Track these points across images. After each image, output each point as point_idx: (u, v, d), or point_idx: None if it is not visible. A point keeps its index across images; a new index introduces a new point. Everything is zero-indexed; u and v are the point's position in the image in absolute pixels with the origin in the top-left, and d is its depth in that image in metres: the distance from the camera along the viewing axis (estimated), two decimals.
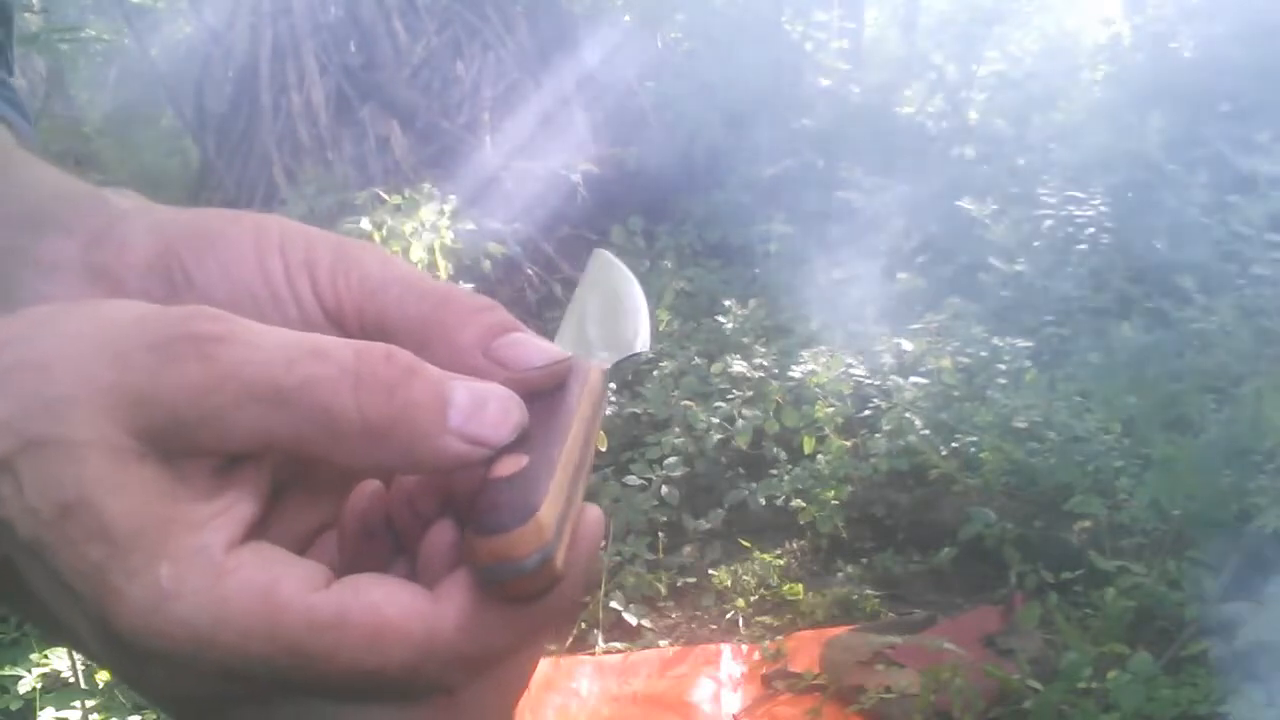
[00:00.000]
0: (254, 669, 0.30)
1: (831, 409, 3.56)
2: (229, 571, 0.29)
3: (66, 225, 0.38)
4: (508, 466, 0.33)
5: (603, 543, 0.36)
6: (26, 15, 5.12)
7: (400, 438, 0.32)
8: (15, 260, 0.37)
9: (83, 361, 0.30)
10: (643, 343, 0.44)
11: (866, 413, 3.65)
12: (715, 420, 3.67)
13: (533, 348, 0.37)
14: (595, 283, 0.48)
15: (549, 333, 0.43)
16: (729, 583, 3.17)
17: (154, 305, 0.32)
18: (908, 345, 3.82)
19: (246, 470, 0.32)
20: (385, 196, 4.40)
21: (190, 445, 0.30)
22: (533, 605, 0.32)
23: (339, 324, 0.37)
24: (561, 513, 0.33)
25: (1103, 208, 4.38)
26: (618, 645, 2.95)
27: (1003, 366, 3.54)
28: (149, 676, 0.31)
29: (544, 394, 0.37)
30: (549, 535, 0.32)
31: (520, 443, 0.34)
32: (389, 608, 0.31)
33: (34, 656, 2.30)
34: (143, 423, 0.30)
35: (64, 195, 0.39)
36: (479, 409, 0.33)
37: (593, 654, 2.91)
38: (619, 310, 0.47)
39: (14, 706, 2.24)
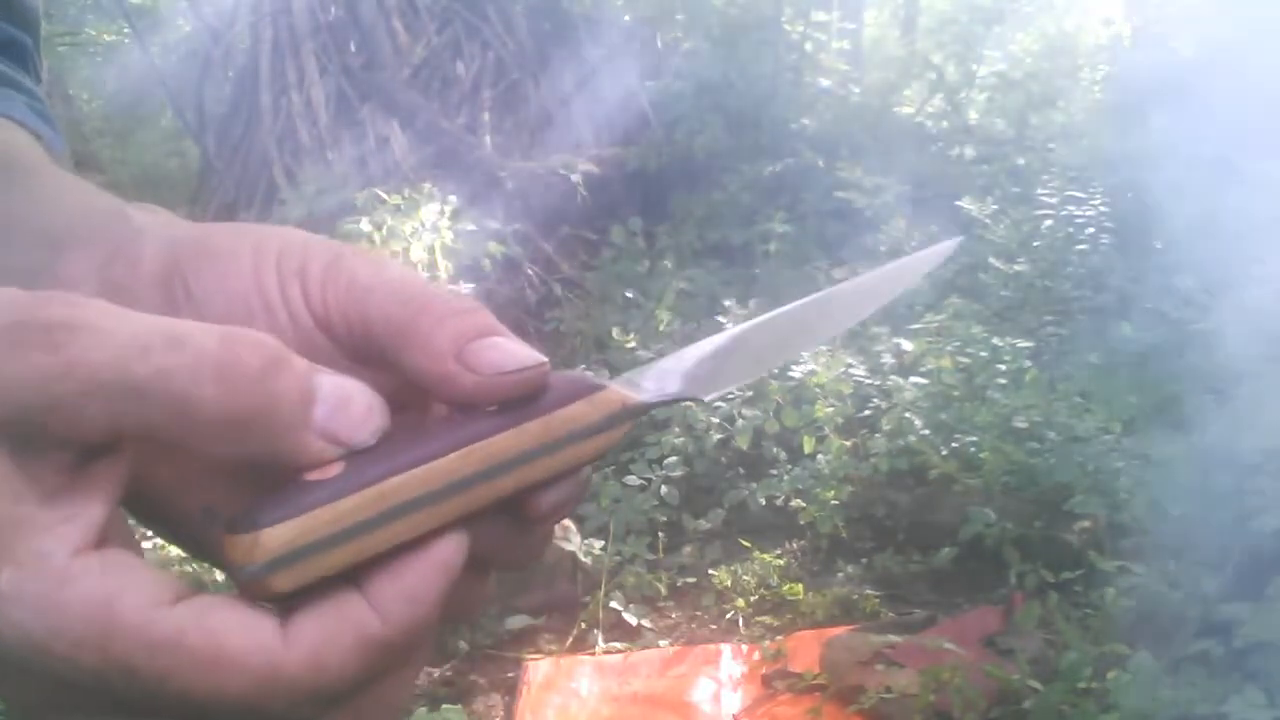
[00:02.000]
0: (86, 682, 0.29)
1: (831, 409, 3.56)
2: (70, 579, 0.28)
3: (86, 241, 0.38)
4: (323, 472, 0.32)
5: (473, 576, 0.35)
6: None
7: (262, 430, 0.31)
8: (37, 278, 0.37)
9: None
10: (700, 391, 0.41)
11: (866, 413, 3.65)
12: (715, 420, 3.67)
13: (505, 352, 0.35)
14: (798, 321, 0.46)
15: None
16: (729, 583, 3.17)
17: (12, 290, 0.30)
18: (908, 345, 3.82)
19: (101, 468, 0.31)
20: (385, 196, 4.40)
21: (39, 436, 0.29)
22: (382, 652, 0.31)
23: (327, 330, 0.36)
24: (322, 539, 0.31)
25: (1103, 208, 4.38)
26: (618, 645, 2.95)
27: (1003, 366, 3.54)
28: None
29: (516, 403, 0.35)
30: (261, 556, 0.31)
31: (380, 448, 0.33)
32: (230, 635, 0.30)
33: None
34: None
35: (86, 211, 0.39)
36: (343, 407, 0.33)
37: (593, 654, 2.91)
38: (753, 355, 0.44)
39: None
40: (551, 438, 0.35)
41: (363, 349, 0.36)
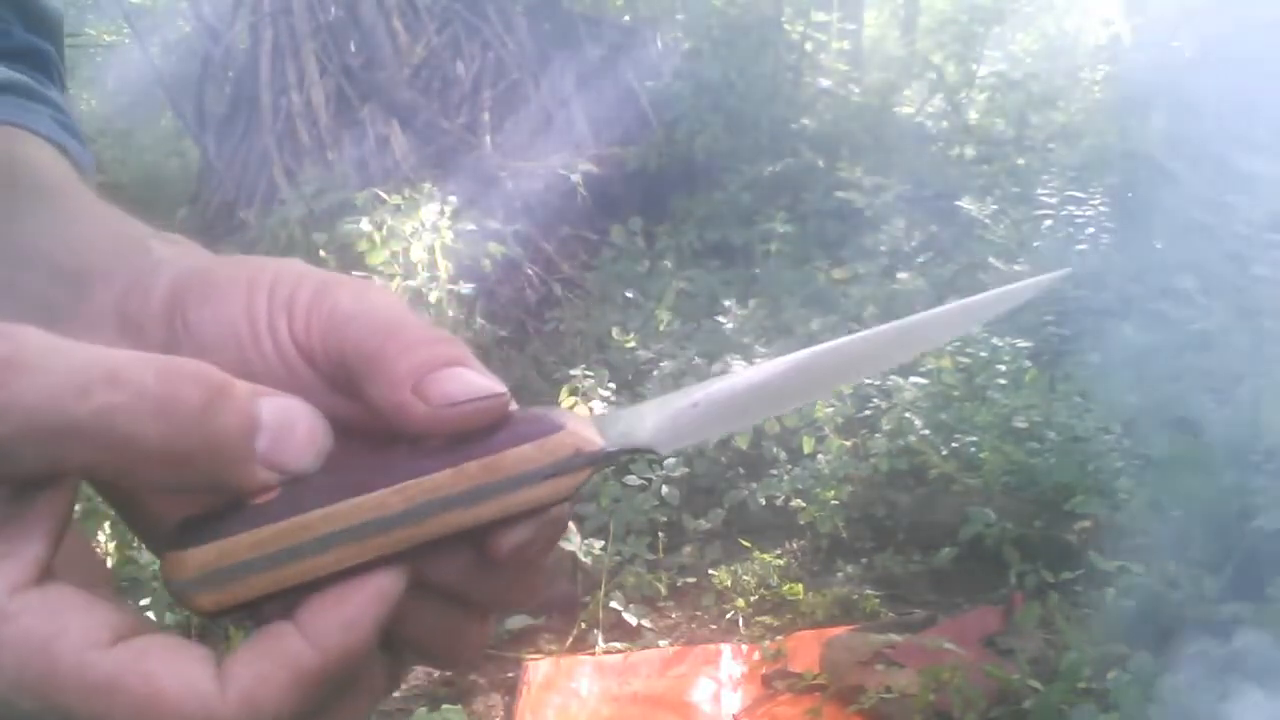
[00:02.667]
0: None
1: (831, 409, 3.57)
2: (9, 618, 0.28)
3: (107, 275, 0.38)
4: (263, 495, 0.32)
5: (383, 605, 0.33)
6: None
7: (206, 464, 0.31)
8: (59, 313, 0.37)
9: None
10: (664, 445, 0.39)
11: (866, 413, 3.65)
12: None
13: (462, 383, 0.34)
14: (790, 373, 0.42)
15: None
16: (729, 583, 3.17)
17: None
18: None
19: (41, 501, 0.30)
20: (385, 196, 4.40)
21: None
22: (318, 684, 0.31)
23: (310, 359, 0.36)
24: (244, 563, 0.32)
25: (1102, 208, 4.38)
26: (618, 645, 2.95)
27: (1003, 367, 3.54)
28: None
29: (465, 439, 0.34)
30: (185, 574, 0.32)
31: (318, 477, 0.33)
32: (166, 679, 0.29)
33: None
34: None
35: (109, 243, 0.39)
36: (286, 434, 0.32)
37: (593, 654, 2.91)
38: (724, 408, 0.41)
39: None
40: (494, 479, 0.34)
41: (341, 379, 0.36)
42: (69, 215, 0.41)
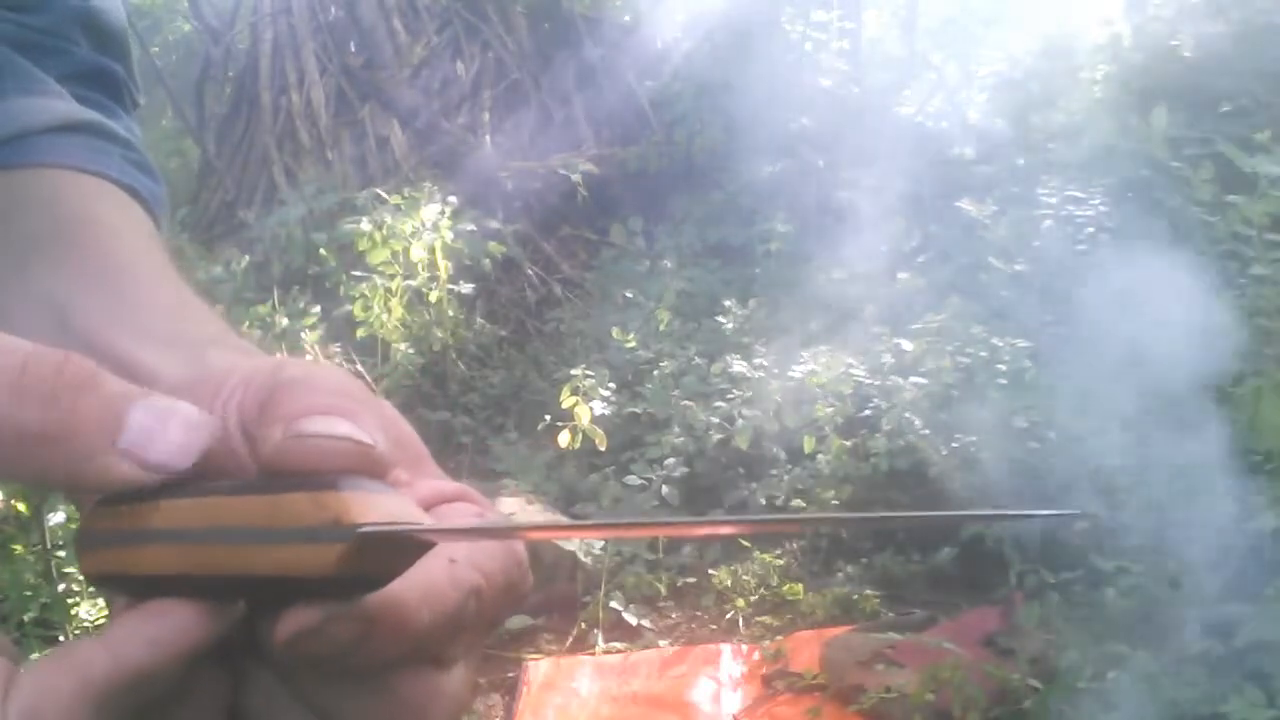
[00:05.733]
0: None
1: (831, 409, 3.56)
2: None
3: (153, 376, 0.38)
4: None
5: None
6: None
7: (60, 451, 0.30)
8: None
9: None
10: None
11: (866, 413, 3.65)
12: (715, 420, 3.67)
13: (324, 424, 0.32)
14: None
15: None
16: (729, 583, 3.18)
17: None
18: (908, 345, 3.82)
19: None
20: (385, 196, 4.40)
21: None
22: (107, 700, 0.30)
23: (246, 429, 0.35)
24: (104, 533, 0.33)
25: (1102, 208, 4.38)
26: (618, 645, 2.95)
27: (1003, 367, 3.54)
28: None
29: (305, 479, 0.31)
30: (82, 529, 0.33)
31: (182, 482, 0.32)
32: None
33: (34, 657, 2.29)
34: None
35: (165, 344, 0.40)
36: (157, 431, 0.31)
37: (593, 654, 2.91)
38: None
39: None
40: (263, 522, 0.31)
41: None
42: (134, 300, 0.42)
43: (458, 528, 0.32)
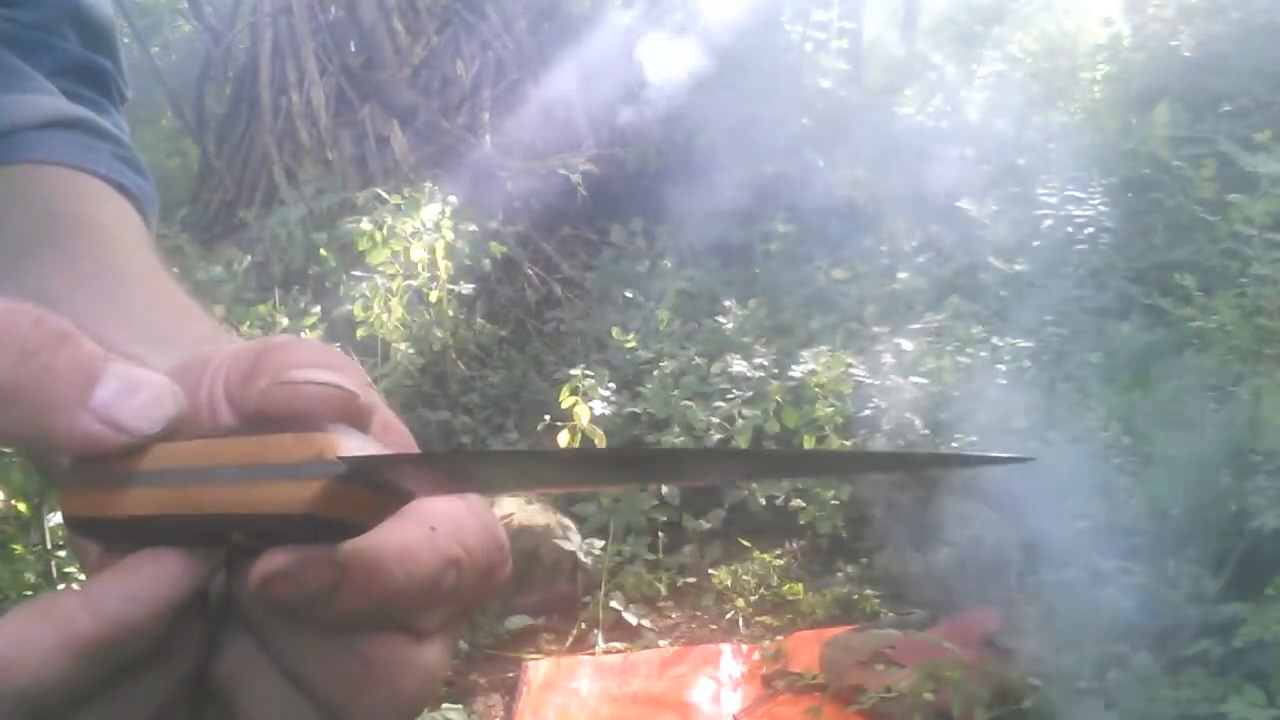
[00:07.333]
0: None
1: (831, 409, 3.56)
2: None
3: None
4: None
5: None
6: None
7: (30, 405, 0.30)
8: None
9: None
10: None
11: (866, 413, 3.65)
12: (715, 420, 3.67)
13: (308, 374, 0.31)
14: None
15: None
16: (729, 583, 3.18)
17: None
18: (908, 345, 3.82)
19: None
20: (385, 196, 4.40)
21: None
22: (87, 654, 0.30)
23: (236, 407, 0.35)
24: (85, 475, 0.33)
25: (1102, 208, 4.38)
26: (618, 645, 2.95)
27: (1003, 367, 3.54)
28: None
29: (287, 422, 0.31)
30: (69, 473, 0.33)
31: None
32: None
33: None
34: None
35: (161, 345, 0.40)
36: (129, 393, 0.31)
37: (593, 654, 2.91)
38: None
39: None
40: (247, 460, 0.31)
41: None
42: (126, 300, 0.41)
43: (437, 453, 0.32)
